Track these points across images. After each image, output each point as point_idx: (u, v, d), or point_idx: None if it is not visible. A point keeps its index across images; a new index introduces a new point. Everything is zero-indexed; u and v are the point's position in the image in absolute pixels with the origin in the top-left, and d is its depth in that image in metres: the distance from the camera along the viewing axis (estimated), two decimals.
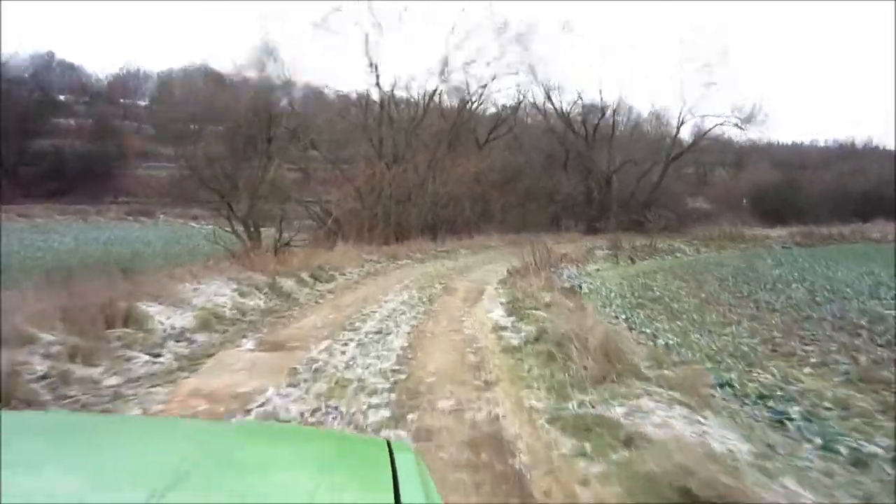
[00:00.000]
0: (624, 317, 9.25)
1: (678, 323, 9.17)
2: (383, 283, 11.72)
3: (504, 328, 7.18)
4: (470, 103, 26.02)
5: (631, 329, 8.27)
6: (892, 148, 49.58)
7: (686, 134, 33.12)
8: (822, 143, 52.15)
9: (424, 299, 9.54)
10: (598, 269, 17.83)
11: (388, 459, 1.05)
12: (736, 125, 31.43)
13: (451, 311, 8.51)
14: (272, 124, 17.60)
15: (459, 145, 28.30)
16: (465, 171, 26.88)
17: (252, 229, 14.42)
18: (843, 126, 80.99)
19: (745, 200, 41.91)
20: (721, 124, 31.64)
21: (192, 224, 30.73)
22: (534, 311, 7.69)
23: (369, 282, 11.86)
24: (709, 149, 35.85)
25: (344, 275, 12.19)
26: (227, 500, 0.89)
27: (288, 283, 9.72)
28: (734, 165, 46.91)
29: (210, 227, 16.92)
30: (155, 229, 32.66)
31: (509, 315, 7.95)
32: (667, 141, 33.37)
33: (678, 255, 25.25)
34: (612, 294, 11.83)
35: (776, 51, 62.17)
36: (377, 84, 21.34)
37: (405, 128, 22.89)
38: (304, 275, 10.77)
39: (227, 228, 14.12)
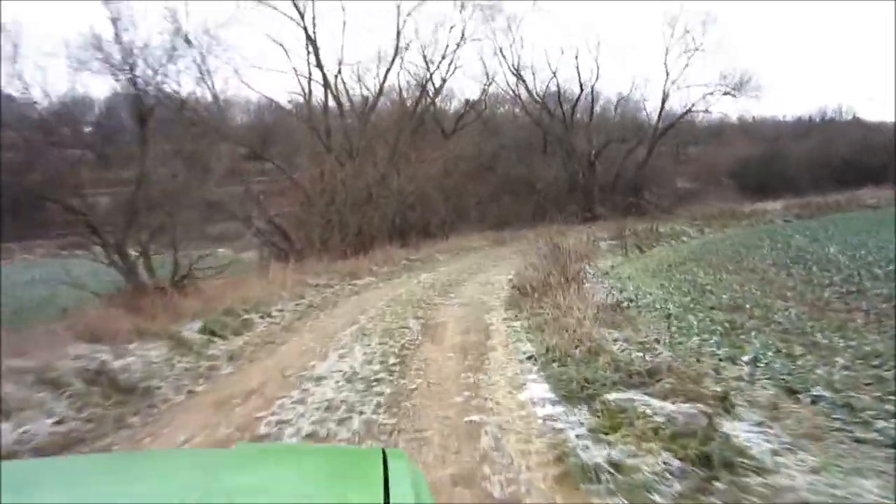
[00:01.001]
0: (746, 358, 5.14)
1: (838, 359, 5.09)
2: (326, 326, 7.38)
3: (575, 454, 2.97)
4: (431, 84, 21.78)
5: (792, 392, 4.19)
6: (860, 115, 47.51)
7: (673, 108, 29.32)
8: (790, 118, 49.07)
9: (392, 362, 5.30)
10: (612, 266, 13.80)
11: (382, 468, 1.04)
12: (727, 93, 27.81)
13: (446, 398, 4.26)
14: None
15: (424, 136, 24.12)
16: (433, 163, 22.76)
17: (134, 259, 9.96)
18: (811, 97, 78.92)
19: (723, 179, 38.89)
20: (710, 94, 28.01)
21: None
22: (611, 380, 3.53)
23: (305, 326, 7.51)
24: (689, 127, 32.08)
25: (270, 316, 7.88)
26: None
27: (151, 353, 5.37)
28: (707, 142, 43.72)
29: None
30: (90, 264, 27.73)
31: (563, 400, 3.76)
32: (651, 116, 29.64)
33: (684, 238, 21.55)
34: (671, 307, 7.75)
35: (753, 25, 59.52)
36: (318, 64, 16.97)
37: (357, 113, 18.57)
38: (195, 327, 6.45)
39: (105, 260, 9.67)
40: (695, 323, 6.70)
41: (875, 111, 64.95)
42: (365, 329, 6.83)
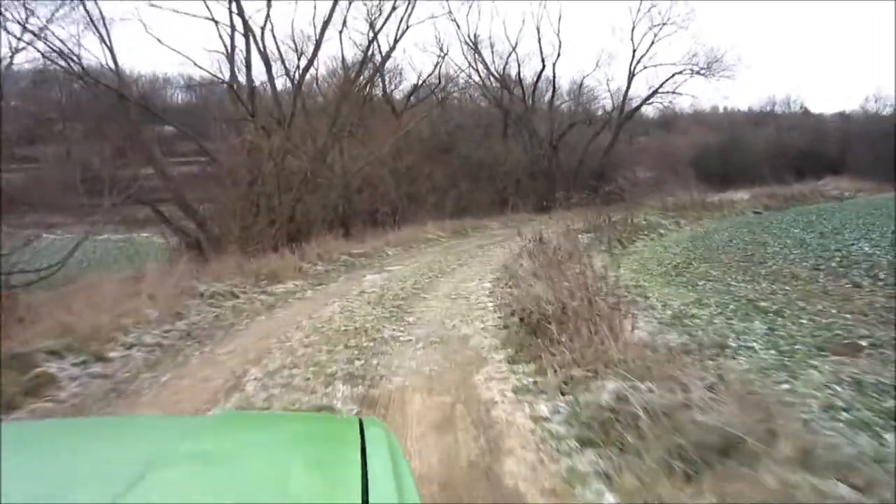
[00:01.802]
0: None
1: None
2: (173, 399, 4.04)
3: None
4: (378, 49, 18.29)
5: None
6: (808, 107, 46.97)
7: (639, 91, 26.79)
8: (743, 108, 47.76)
9: None
10: (604, 267, 10.93)
11: (359, 435, 1.04)
12: (698, 72, 25.44)
13: None
14: None
15: (372, 111, 20.70)
16: (383, 142, 19.43)
17: None
18: (761, 87, 78.93)
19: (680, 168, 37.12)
20: (679, 73, 25.59)
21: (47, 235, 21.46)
22: None
23: (129, 398, 4.12)
24: (637, 116, 29.55)
25: (88, 363, 4.46)
26: (199, 490, 0.84)
27: None
28: (656, 132, 41.77)
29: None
30: None
31: None
32: (616, 97, 27.04)
33: (661, 231, 19.07)
34: (758, 347, 4.82)
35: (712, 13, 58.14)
36: (238, 12, 13.25)
37: (289, 74, 15.00)
38: None
39: None
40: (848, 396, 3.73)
41: (822, 103, 65.11)
42: (248, 407, 3.57)
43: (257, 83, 14.20)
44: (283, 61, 15.53)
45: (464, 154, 21.50)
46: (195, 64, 15.50)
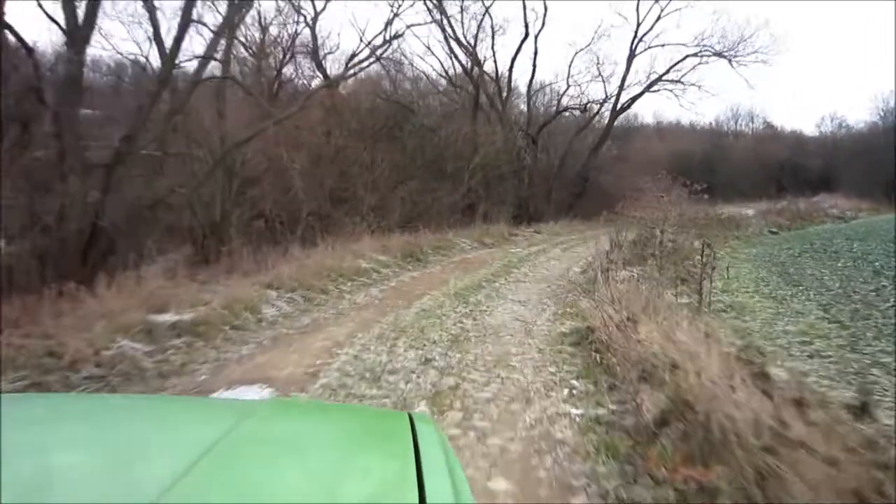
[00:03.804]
0: None
1: None
2: None
3: None
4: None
5: None
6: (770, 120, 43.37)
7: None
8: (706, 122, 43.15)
9: None
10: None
11: (410, 431, 0.99)
12: (720, 55, 19.97)
13: None
14: None
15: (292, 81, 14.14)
16: (306, 122, 13.13)
17: None
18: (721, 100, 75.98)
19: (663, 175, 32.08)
20: (694, 55, 20.07)
21: None
22: None
23: None
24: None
25: None
26: (257, 476, 0.79)
27: None
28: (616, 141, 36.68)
29: None
30: None
31: None
32: (611, 83, 21.36)
33: (698, 257, 13.41)
34: None
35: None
36: None
37: None
38: None
39: None
40: None
41: (785, 118, 62.06)
42: None
43: None
44: None
45: (419, 139, 15.11)
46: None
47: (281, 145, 12.09)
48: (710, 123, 42.43)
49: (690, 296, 7.31)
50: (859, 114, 66.64)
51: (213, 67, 10.17)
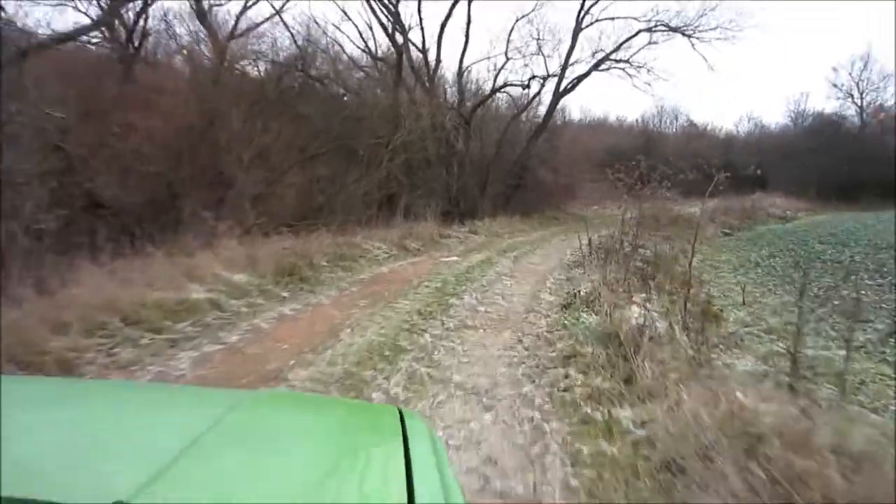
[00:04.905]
0: None
1: None
2: None
3: None
4: None
5: None
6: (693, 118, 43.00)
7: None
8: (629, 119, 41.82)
9: None
10: None
11: (400, 425, 0.98)
12: (678, 30, 17.66)
13: None
14: None
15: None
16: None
17: None
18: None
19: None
20: (648, 30, 17.67)
21: None
22: None
23: None
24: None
25: None
26: (246, 465, 0.77)
27: None
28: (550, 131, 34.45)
29: None
30: None
31: None
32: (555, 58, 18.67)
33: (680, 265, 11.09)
34: None
35: None
36: None
37: None
38: None
39: None
40: None
41: (706, 116, 62.52)
42: None
43: None
44: None
45: (324, 111, 11.63)
46: None
47: (129, 111, 8.47)
48: (637, 120, 41.25)
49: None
50: (774, 116, 68.51)
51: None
